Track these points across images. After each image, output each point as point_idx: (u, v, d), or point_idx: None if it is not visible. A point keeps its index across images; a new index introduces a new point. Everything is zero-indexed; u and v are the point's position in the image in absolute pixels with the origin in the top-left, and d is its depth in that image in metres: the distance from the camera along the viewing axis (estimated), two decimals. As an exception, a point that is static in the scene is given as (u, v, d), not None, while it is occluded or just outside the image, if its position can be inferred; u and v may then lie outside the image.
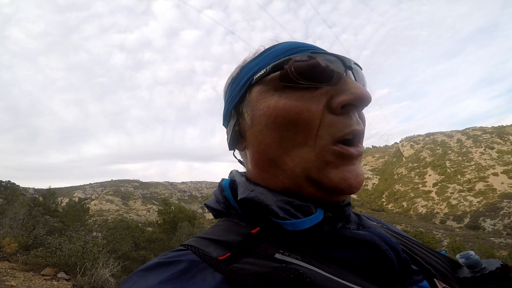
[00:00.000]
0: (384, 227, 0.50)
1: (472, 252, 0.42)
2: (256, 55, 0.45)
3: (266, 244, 0.35)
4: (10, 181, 19.82)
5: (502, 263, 0.40)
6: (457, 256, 0.43)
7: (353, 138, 0.38)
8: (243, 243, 0.36)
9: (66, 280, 6.51)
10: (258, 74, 0.41)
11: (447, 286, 0.38)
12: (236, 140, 0.46)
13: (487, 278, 0.38)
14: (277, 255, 0.33)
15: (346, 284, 0.30)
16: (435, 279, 0.38)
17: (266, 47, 0.45)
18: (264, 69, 0.40)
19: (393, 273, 0.35)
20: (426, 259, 0.41)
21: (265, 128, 0.40)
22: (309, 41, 0.42)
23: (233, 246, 0.35)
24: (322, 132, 0.37)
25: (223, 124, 0.51)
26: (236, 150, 0.49)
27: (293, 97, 0.38)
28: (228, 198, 0.44)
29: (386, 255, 0.35)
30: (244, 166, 0.50)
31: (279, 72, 0.39)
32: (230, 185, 0.45)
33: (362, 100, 0.38)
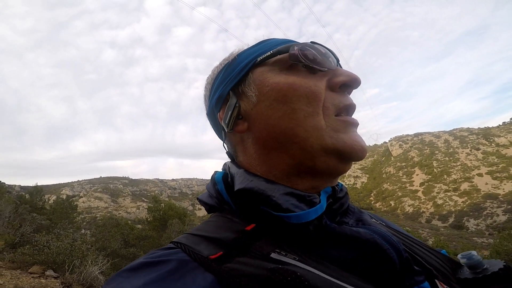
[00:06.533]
0: (384, 224, 0.49)
1: (474, 252, 0.40)
2: (253, 44, 0.49)
3: (262, 242, 0.34)
4: (-5, 177, 19.21)
5: (505, 263, 0.38)
6: (459, 256, 0.42)
7: (349, 111, 0.44)
8: (237, 241, 0.34)
9: (55, 278, 6.45)
10: (263, 56, 0.44)
11: (448, 287, 0.37)
12: (235, 122, 0.45)
13: (489, 279, 0.37)
14: (273, 255, 0.32)
15: (345, 287, 0.29)
16: (436, 280, 0.37)
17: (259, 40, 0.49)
18: (270, 52, 0.44)
19: (394, 274, 0.34)
20: (427, 259, 0.40)
21: (274, 103, 0.41)
22: (302, 40, 0.48)
23: (226, 244, 0.34)
24: (327, 104, 0.41)
25: (210, 113, 0.51)
26: (227, 139, 0.49)
27: (300, 76, 0.42)
28: (221, 192, 0.42)
29: (387, 255, 0.34)
30: (234, 158, 0.49)
31: (287, 54, 0.43)
32: (223, 179, 0.43)
33: (356, 81, 0.43)
